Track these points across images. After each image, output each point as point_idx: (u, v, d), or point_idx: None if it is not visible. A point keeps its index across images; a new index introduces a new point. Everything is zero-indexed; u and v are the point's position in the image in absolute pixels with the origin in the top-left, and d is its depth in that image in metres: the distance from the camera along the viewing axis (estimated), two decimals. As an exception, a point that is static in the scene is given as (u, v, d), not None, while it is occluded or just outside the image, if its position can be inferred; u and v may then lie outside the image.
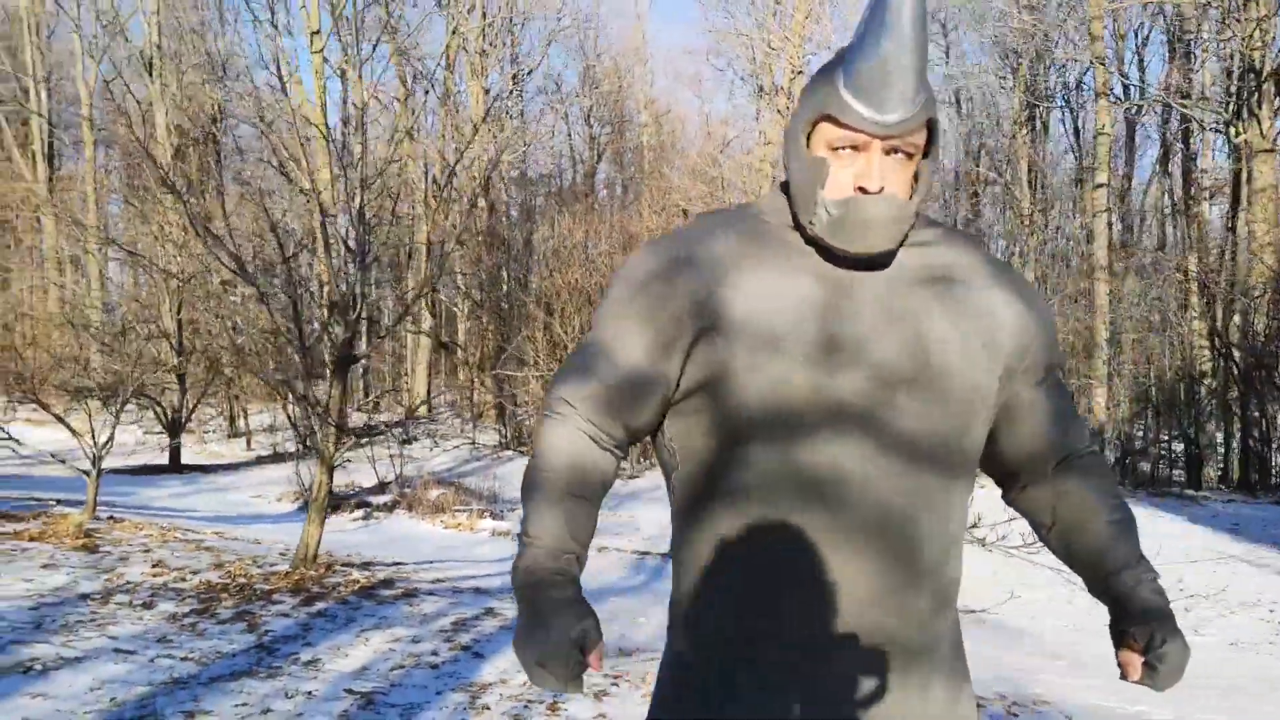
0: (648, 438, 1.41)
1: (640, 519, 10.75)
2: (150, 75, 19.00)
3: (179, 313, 15.32)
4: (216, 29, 21.81)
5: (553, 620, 1.18)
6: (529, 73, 21.36)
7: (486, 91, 20.04)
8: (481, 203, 19.01)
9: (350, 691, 3.97)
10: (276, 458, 15.49)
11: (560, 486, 1.29)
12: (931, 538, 1.27)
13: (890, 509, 1.24)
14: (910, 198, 1.28)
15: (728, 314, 1.27)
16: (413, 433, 16.19)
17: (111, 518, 7.92)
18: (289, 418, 15.41)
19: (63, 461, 8.00)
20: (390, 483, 12.98)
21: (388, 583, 6.09)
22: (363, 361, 21.83)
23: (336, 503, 12.27)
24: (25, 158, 22.62)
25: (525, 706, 3.91)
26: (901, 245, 1.32)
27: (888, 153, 1.24)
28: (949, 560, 1.31)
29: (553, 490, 1.29)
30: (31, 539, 6.76)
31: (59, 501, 8.72)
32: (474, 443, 16.61)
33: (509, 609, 5.56)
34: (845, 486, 1.24)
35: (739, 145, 26.34)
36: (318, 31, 17.94)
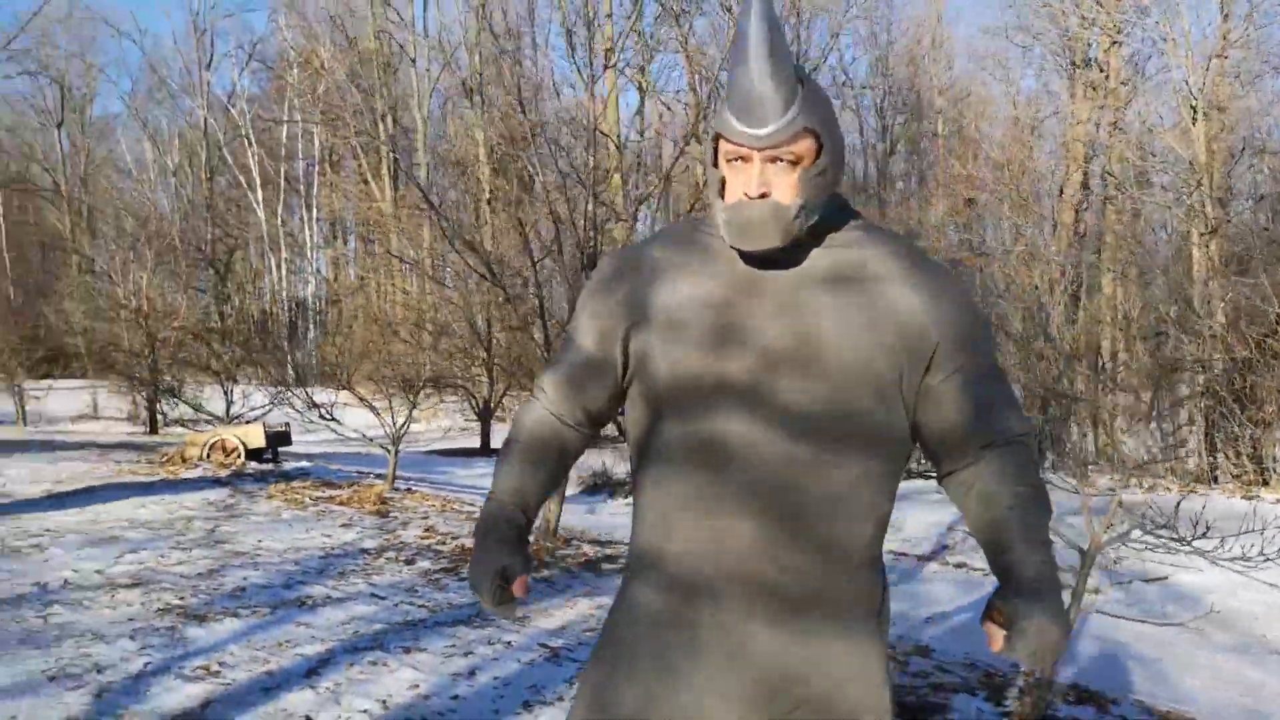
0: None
1: (907, 520, 10.58)
2: (471, 100, 21.29)
3: (489, 313, 17.03)
4: (529, 53, 23.97)
5: (488, 556, 1.52)
6: (814, 68, 21.37)
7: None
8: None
9: (543, 645, 4.49)
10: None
11: (519, 453, 1.62)
12: (814, 501, 1.43)
13: (770, 472, 1.42)
14: (796, 200, 1.45)
15: (651, 310, 1.53)
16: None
17: (409, 489, 9.19)
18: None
19: (370, 440, 9.39)
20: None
21: (612, 559, 6.62)
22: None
23: (612, 489, 13.23)
24: (376, 181, 26.24)
25: (690, 673, 4.21)
26: (819, 246, 1.50)
27: (771, 161, 1.42)
28: (840, 524, 1.45)
29: (512, 456, 1.62)
30: (340, 503, 8.08)
31: (376, 475, 10.23)
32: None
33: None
34: (730, 451, 1.44)
35: (1050, 127, 24.64)
36: (611, 49, 19.21)
